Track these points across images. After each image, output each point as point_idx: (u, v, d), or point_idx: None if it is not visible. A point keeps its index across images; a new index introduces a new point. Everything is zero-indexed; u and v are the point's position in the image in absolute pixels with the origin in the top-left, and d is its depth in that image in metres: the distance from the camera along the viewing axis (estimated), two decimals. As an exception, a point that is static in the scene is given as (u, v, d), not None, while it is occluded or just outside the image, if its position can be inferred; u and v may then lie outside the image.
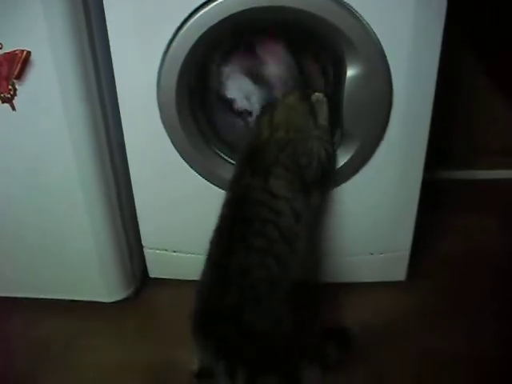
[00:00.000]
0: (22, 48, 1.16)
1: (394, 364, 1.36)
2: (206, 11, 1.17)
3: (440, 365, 1.35)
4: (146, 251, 1.56)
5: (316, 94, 1.32)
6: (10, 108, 1.23)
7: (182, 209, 1.45)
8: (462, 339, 1.41)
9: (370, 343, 1.39)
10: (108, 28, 1.21)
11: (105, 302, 1.52)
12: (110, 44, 1.23)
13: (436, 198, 1.74)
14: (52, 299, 1.51)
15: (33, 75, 1.19)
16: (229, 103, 1.43)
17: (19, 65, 1.17)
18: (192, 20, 1.18)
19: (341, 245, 1.50)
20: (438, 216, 1.77)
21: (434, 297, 1.54)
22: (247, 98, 1.43)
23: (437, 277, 1.60)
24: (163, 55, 1.22)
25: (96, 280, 1.49)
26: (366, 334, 1.40)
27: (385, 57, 1.21)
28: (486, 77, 1.78)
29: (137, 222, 1.50)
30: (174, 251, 1.54)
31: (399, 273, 1.55)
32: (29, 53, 1.17)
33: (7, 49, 1.16)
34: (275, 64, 1.40)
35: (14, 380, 1.38)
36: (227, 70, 1.39)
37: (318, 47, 1.37)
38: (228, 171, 1.36)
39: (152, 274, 1.61)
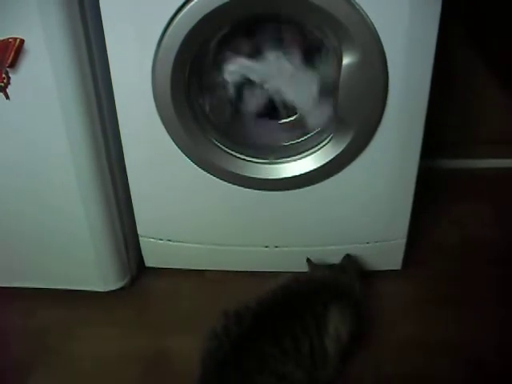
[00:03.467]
0: (15, 36, 1.15)
1: (391, 353, 1.36)
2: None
3: (437, 353, 1.36)
4: (142, 240, 1.56)
5: None
6: (3, 97, 1.22)
7: (177, 198, 1.45)
8: (459, 328, 1.42)
9: (365, 332, 1.39)
10: (102, 15, 1.20)
11: (101, 292, 1.52)
12: (105, 31, 1.22)
13: (431, 187, 1.74)
14: (48, 289, 1.51)
15: (27, 63, 1.18)
16: (225, 91, 1.42)
17: (12, 53, 1.16)
18: (186, 8, 1.17)
19: (337, 234, 1.51)
20: (433, 205, 1.77)
21: (429, 285, 1.54)
22: (244, 86, 1.42)
23: (432, 265, 1.61)
24: (158, 43, 1.21)
25: (92, 269, 1.49)
26: (361, 322, 1.41)
27: (381, 45, 1.20)
28: (480, 65, 1.78)
29: (132, 211, 1.50)
30: (170, 240, 1.54)
31: (395, 262, 1.56)
32: (22, 41, 1.15)
33: (0, 37, 1.15)
34: (271, 51, 1.39)
35: (12, 369, 1.38)
36: (223, 58, 1.38)
37: (314, 35, 1.36)
38: (223, 159, 1.37)
39: (148, 264, 1.61)
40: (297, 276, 1.38)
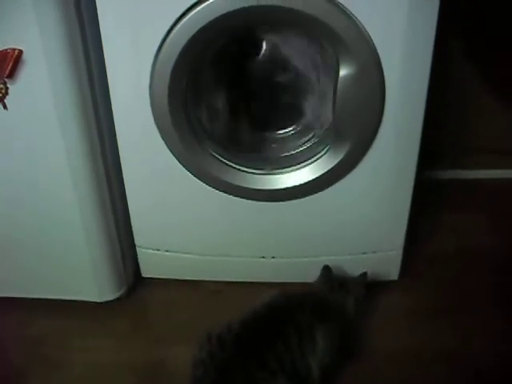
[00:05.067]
0: (13, 47, 1.15)
1: (388, 363, 1.36)
2: (198, 11, 1.17)
3: (434, 363, 1.36)
4: (139, 251, 1.56)
5: None
6: (1, 107, 1.22)
7: (175, 208, 1.45)
8: (456, 337, 1.42)
9: (361, 343, 1.39)
10: (101, 26, 1.20)
11: (97, 302, 1.51)
12: (103, 43, 1.22)
13: (426, 198, 1.74)
14: (44, 299, 1.50)
15: (25, 74, 1.18)
16: (223, 103, 1.43)
17: (11, 63, 1.16)
18: (184, 20, 1.17)
19: (333, 244, 1.51)
20: (428, 215, 1.78)
21: (426, 295, 1.55)
22: (242, 98, 1.43)
23: (429, 275, 1.61)
24: (156, 55, 1.21)
25: (88, 280, 1.48)
26: (358, 333, 1.41)
27: (378, 57, 1.21)
28: (476, 77, 1.79)
29: (129, 221, 1.50)
30: (167, 251, 1.54)
31: (392, 272, 1.56)
32: (20, 51, 1.16)
33: (-2, 48, 1.16)
34: (269, 63, 1.40)
35: (8, 379, 1.37)
36: (220, 70, 1.39)
37: (311, 46, 1.37)
38: (220, 170, 1.37)
39: (144, 274, 1.60)
40: (284, 293, 1.36)
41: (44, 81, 1.20)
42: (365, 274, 1.44)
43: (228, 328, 1.25)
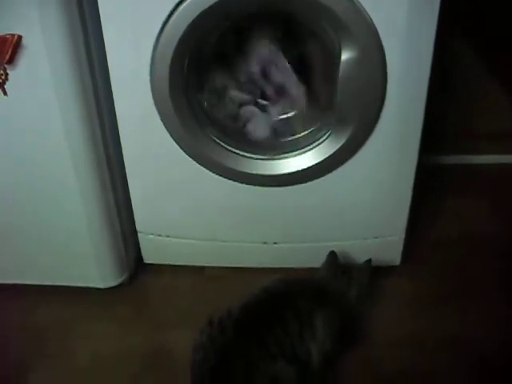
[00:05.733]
0: (13, 32, 1.15)
1: (390, 349, 1.37)
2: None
3: (437, 349, 1.37)
4: (141, 237, 1.56)
5: None
6: (1, 93, 1.22)
7: (176, 194, 1.45)
8: (459, 323, 1.43)
9: (364, 329, 1.40)
10: (100, 10, 1.19)
11: (99, 288, 1.52)
12: (102, 26, 1.21)
13: (429, 183, 1.74)
14: (46, 285, 1.51)
15: (24, 59, 1.18)
16: (223, 87, 1.42)
17: (10, 49, 1.16)
18: (185, 3, 1.17)
19: (335, 230, 1.51)
20: (431, 201, 1.78)
21: (428, 281, 1.55)
22: (242, 83, 1.42)
23: (431, 261, 1.61)
24: (157, 37, 1.20)
25: (90, 266, 1.48)
26: (360, 319, 1.41)
27: (379, 40, 1.20)
28: (478, 62, 1.79)
29: (131, 207, 1.50)
30: (169, 236, 1.54)
31: (394, 258, 1.56)
32: (20, 37, 1.15)
33: (-2, 33, 1.15)
34: (269, 48, 1.39)
35: (10, 367, 1.38)
36: (221, 54, 1.38)
37: (312, 31, 1.36)
38: (222, 156, 1.36)
39: (146, 260, 1.61)
40: (284, 279, 1.36)
41: (44, 66, 1.19)
42: (369, 260, 1.43)
43: (228, 313, 1.25)
